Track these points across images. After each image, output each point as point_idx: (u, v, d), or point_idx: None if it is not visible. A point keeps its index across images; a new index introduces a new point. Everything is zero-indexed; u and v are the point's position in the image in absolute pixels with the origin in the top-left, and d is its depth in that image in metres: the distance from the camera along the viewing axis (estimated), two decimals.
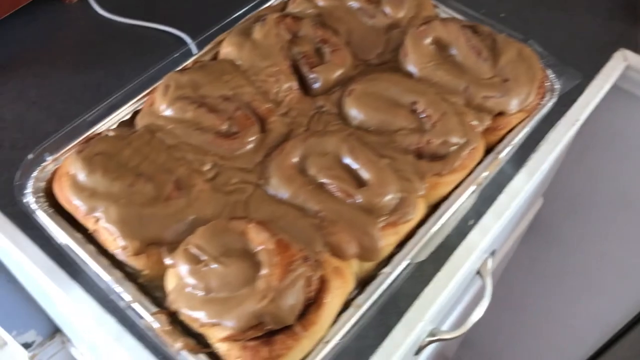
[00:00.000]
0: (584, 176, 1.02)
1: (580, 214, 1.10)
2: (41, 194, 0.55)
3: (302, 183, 0.53)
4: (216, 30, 0.68)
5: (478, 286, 0.96)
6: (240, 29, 0.65)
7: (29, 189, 0.55)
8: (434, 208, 0.57)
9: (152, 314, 0.48)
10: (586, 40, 0.81)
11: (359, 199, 0.52)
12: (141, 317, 0.48)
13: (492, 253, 0.82)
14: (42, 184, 0.56)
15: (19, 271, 1.00)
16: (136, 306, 0.48)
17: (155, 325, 0.47)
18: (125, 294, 0.49)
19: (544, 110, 0.62)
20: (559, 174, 1.02)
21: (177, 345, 0.46)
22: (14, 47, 0.77)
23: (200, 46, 0.69)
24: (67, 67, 0.75)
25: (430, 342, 0.71)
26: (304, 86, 0.62)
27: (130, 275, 0.51)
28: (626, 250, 1.09)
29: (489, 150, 0.60)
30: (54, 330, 1.30)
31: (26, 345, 1.27)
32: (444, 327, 0.94)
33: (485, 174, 0.57)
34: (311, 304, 0.46)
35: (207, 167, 0.54)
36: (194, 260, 0.47)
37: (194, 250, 0.47)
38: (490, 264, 0.79)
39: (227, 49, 0.63)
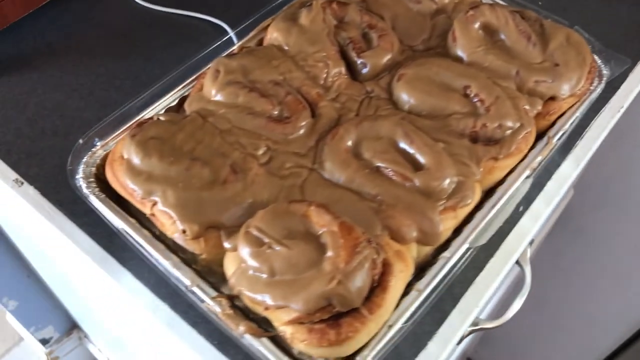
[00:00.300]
0: (616, 167, 1.01)
1: (610, 207, 1.09)
2: (92, 179, 0.55)
3: (357, 167, 0.53)
4: (257, 18, 0.68)
5: (513, 275, 0.96)
6: (285, 15, 0.64)
7: (80, 174, 0.55)
8: (486, 194, 0.56)
9: (212, 298, 0.47)
10: (626, 28, 0.80)
11: (417, 182, 0.52)
12: (202, 301, 0.48)
13: (531, 242, 0.81)
14: (92, 169, 0.56)
15: (42, 264, 0.99)
16: (197, 290, 0.48)
17: (216, 309, 0.47)
18: (184, 278, 0.48)
19: (593, 95, 0.62)
20: (590, 165, 1.01)
21: (240, 328, 0.46)
22: (52, 35, 0.77)
23: (239, 34, 0.69)
24: (105, 56, 0.74)
25: (472, 331, 0.70)
26: (351, 71, 0.62)
27: (184, 261, 0.51)
28: None
29: (538, 136, 0.60)
30: (72, 327, 1.30)
31: (44, 342, 1.27)
32: (481, 317, 0.93)
33: (539, 158, 0.57)
34: (375, 287, 0.46)
35: (261, 152, 0.54)
36: (256, 243, 0.46)
37: (256, 233, 0.47)
38: (529, 252, 0.79)
39: (274, 35, 0.62)
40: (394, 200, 0.51)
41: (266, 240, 0.46)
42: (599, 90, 0.62)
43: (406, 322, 0.47)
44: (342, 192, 0.52)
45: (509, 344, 1.57)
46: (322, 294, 0.43)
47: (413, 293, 0.48)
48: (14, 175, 0.62)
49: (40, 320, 1.23)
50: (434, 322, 0.54)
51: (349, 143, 0.54)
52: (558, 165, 0.65)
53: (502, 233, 0.59)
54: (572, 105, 0.61)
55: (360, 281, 0.44)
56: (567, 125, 0.60)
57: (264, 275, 0.45)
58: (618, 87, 0.72)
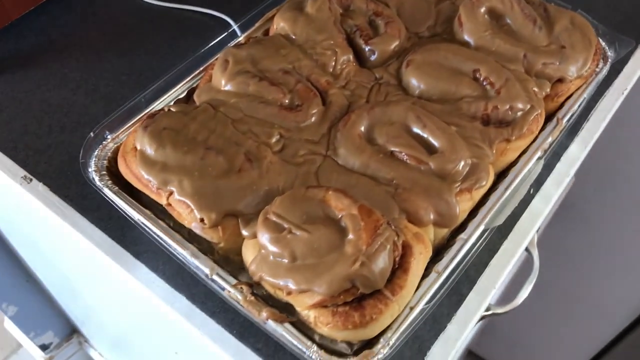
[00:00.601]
0: (617, 151, 1.01)
1: (611, 192, 1.09)
2: (104, 172, 0.55)
3: (371, 152, 0.53)
4: (260, 10, 0.68)
5: (519, 262, 0.96)
6: (291, 5, 0.64)
7: (92, 167, 0.54)
8: (498, 177, 0.57)
9: (233, 286, 0.47)
10: (627, 10, 0.81)
11: (432, 165, 0.52)
12: (223, 289, 0.47)
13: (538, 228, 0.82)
14: (104, 162, 0.55)
15: (43, 267, 0.99)
16: (217, 278, 0.48)
17: (237, 296, 0.47)
18: (204, 266, 0.48)
19: (599, 77, 0.62)
20: (590, 149, 1.02)
21: (263, 314, 0.45)
22: (54, 32, 0.76)
23: (243, 27, 0.68)
24: (109, 51, 0.74)
25: (484, 316, 0.71)
26: (359, 59, 0.62)
27: (201, 251, 0.51)
28: None
29: (547, 118, 0.60)
30: (71, 332, 1.28)
31: (43, 347, 1.26)
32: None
33: (550, 139, 0.57)
34: (396, 269, 0.46)
35: (274, 140, 0.54)
36: (276, 229, 0.46)
37: (275, 219, 0.47)
38: (536, 237, 0.79)
39: (280, 24, 0.62)
40: (410, 184, 0.51)
41: (286, 225, 0.46)
42: (604, 71, 0.63)
43: (427, 303, 0.47)
44: (357, 177, 0.52)
45: (509, 334, 1.57)
46: (346, 276, 0.43)
47: (433, 275, 0.49)
48: (22, 172, 0.62)
49: (40, 326, 1.22)
50: (452, 305, 0.54)
51: (362, 129, 0.55)
52: (566, 147, 0.65)
53: (515, 215, 0.59)
54: (579, 87, 0.62)
55: (382, 262, 0.44)
56: (575, 106, 0.60)
57: (286, 261, 0.45)
58: (621, 70, 0.72)
